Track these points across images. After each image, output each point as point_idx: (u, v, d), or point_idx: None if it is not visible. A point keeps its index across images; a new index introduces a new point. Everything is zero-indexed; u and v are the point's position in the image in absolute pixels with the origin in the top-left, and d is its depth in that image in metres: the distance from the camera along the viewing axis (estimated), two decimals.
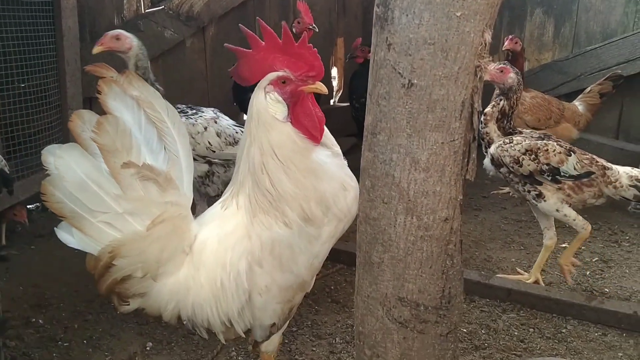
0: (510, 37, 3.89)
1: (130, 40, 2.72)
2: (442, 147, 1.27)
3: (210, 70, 4.50)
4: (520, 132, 2.91)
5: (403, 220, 1.33)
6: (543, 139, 2.84)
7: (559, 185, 2.80)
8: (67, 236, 1.62)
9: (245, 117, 1.85)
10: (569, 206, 2.86)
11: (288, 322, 1.94)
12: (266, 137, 1.66)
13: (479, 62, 1.22)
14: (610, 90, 3.96)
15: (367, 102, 1.34)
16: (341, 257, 3.23)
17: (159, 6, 4.11)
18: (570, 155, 2.79)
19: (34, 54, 3.12)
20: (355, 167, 1.65)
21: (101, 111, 1.59)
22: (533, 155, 2.76)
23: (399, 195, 1.31)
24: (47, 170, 1.58)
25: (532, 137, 2.87)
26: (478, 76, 1.24)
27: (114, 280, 1.66)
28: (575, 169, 2.79)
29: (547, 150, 2.78)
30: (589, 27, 4.37)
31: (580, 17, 4.41)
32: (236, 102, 3.92)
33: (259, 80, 1.71)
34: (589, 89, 4.05)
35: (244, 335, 1.84)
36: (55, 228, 1.64)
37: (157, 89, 2.70)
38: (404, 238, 1.34)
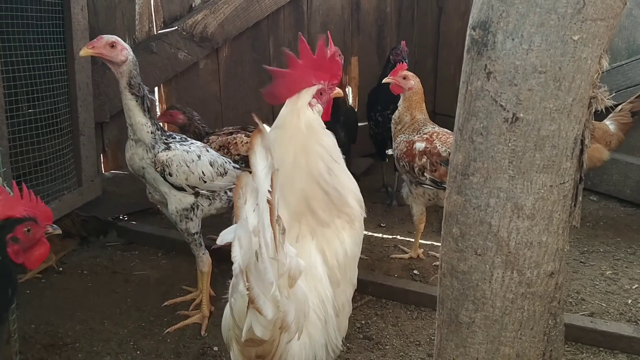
0: None
1: (127, 52, 2.40)
2: (551, 191, 1.09)
3: (224, 91, 4.34)
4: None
5: (501, 275, 1.14)
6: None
7: None
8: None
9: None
10: None
11: None
12: (322, 145, 1.74)
13: (594, 92, 1.05)
14: None
15: (457, 138, 1.16)
16: (369, 289, 3.05)
17: (172, 27, 3.95)
18: None
19: (44, 78, 2.93)
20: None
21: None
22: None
23: (496, 246, 1.13)
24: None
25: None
26: (592, 108, 1.07)
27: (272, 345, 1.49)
28: None
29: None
30: (613, 44, 4.23)
31: None
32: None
33: (291, 96, 1.76)
34: (619, 107, 3.90)
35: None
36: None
37: (151, 99, 2.53)
38: (501, 295, 1.15)
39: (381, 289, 3.06)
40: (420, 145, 3.11)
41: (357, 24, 4.96)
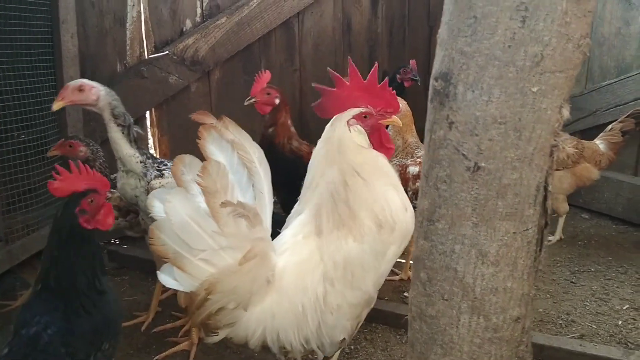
0: None
1: (96, 90, 2.40)
2: (515, 238, 1.10)
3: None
4: None
5: (468, 320, 1.15)
6: None
7: None
8: (167, 278, 1.72)
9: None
10: None
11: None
12: (350, 160, 1.90)
13: (555, 140, 1.06)
14: (632, 127, 3.82)
15: (422, 184, 1.18)
16: None
17: (163, 51, 3.99)
18: None
19: (34, 106, 2.96)
20: None
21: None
22: None
23: (462, 292, 1.14)
24: (150, 214, 1.73)
25: None
26: (554, 156, 1.08)
27: (209, 313, 1.76)
28: None
29: None
30: (602, 62, 4.27)
31: (593, 51, 4.30)
32: None
33: (337, 114, 1.97)
34: (610, 127, 3.91)
35: (320, 353, 1.96)
36: (157, 272, 1.75)
37: (138, 132, 2.54)
38: (468, 340, 1.16)
39: (370, 313, 3.06)
40: (414, 170, 3.11)
41: (349, 45, 5.00)
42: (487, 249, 1.11)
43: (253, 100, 3.00)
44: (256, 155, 1.91)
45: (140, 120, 3.89)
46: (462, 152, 1.07)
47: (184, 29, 4.14)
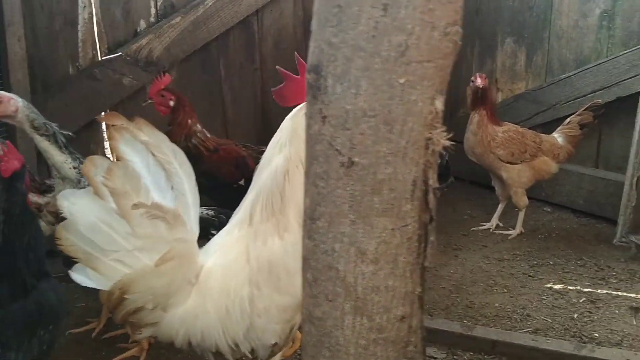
0: (478, 75, 3.74)
1: (14, 102, 2.37)
2: (393, 234, 1.06)
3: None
4: None
5: (352, 321, 1.11)
6: None
7: None
8: (81, 277, 1.74)
9: None
10: None
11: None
12: (299, 149, 1.81)
13: (431, 133, 1.03)
14: (591, 120, 3.82)
15: (305, 182, 1.14)
16: None
17: (116, 53, 3.92)
18: None
19: None
20: None
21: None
22: None
23: (345, 292, 1.10)
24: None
25: None
26: (430, 149, 1.04)
27: (127, 312, 1.78)
28: None
29: None
30: (561, 55, 4.25)
31: (552, 44, 4.29)
32: None
33: (295, 104, 1.94)
34: (568, 120, 3.91)
35: (250, 356, 1.95)
36: (69, 271, 1.75)
37: (66, 135, 2.50)
38: (353, 342, 1.12)
39: None
40: None
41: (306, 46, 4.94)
42: (365, 246, 1.07)
43: (149, 101, 3.25)
44: (176, 157, 1.89)
45: (95, 123, 3.84)
46: (336, 147, 1.03)
47: (138, 30, 4.07)
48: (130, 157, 1.79)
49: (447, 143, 0.96)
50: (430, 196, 1.08)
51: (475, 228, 4.11)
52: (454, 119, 4.61)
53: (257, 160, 2.22)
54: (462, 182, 4.71)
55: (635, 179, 3.55)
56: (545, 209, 4.36)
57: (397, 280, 1.09)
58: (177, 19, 4.09)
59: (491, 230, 4.06)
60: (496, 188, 4.06)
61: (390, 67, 0.98)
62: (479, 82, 3.69)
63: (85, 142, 3.70)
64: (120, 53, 3.90)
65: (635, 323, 3.04)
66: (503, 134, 3.78)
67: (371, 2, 0.95)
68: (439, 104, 1.02)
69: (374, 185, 1.04)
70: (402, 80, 0.98)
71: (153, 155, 1.84)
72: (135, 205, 1.69)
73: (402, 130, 1.01)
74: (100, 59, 3.88)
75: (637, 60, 3.70)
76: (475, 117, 3.77)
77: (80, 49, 3.83)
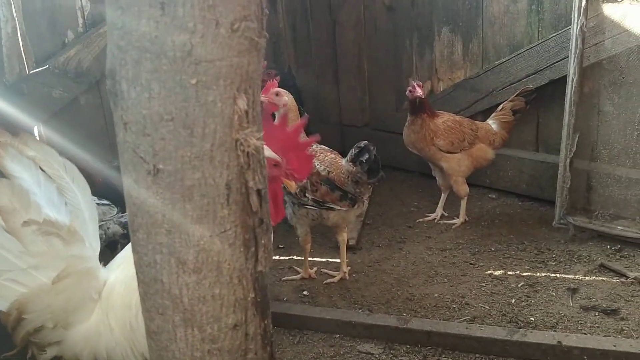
0: (416, 84, 3.68)
1: None
2: (212, 241, 1.02)
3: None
4: None
5: (184, 333, 1.07)
6: None
7: None
8: None
9: None
10: None
11: None
12: None
13: (239, 134, 0.98)
14: (523, 106, 3.82)
15: (124, 192, 1.10)
16: None
17: (44, 66, 3.83)
18: None
19: None
20: None
21: None
22: None
23: (173, 304, 1.06)
24: None
25: None
26: (244, 151, 1.00)
27: (27, 332, 1.74)
28: None
29: None
30: (495, 41, 4.25)
31: (486, 32, 4.28)
32: None
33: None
34: (501, 106, 3.91)
35: None
36: None
37: None
38: (189, 354, 1.08)
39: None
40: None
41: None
42: (185, 256, 1.03)
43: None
44: (67, 171, 1.85)
45: None
46: (140, 154, 0.99)
47: (66, 41, 3.98)
48: (17, 173, 1.75)
49: (259, 143, 0.91)
50: (254, 198, 1.03)
51: (420, 219, 4.09)
52: (399, 112, 4.60)
53: None
54: (412, 173, 4.71)
55: (568, 160, 3.55)
56: (490, 195, 4.34)
57: (224, 288, 1.05)
58: (106, 28, 4.02)
59: (436, 220, 4.04)
60: (437, 178, 4.04)
61: (178, 67, 0.93)
62: (419, 92, 3.65)
63: None
64: (47, 65, 3.81)
65: (571, 304, 3.04)
66: (442, 124, 3.77)
67: (149, 1, 0.90)
68: (242, 104, 0.97)
69: (184, 191, 1.00)
70: (193, 81, 0.94)
71: (42, 170, 1.80)
72: (26, 223, 1.64)
73: (204, 133, 0.97)
74: (28, 73, 3.79)
75: (565, 43, 3.70)
76: (417, 121, 3.75)
77: (6, 64, 3.73)
